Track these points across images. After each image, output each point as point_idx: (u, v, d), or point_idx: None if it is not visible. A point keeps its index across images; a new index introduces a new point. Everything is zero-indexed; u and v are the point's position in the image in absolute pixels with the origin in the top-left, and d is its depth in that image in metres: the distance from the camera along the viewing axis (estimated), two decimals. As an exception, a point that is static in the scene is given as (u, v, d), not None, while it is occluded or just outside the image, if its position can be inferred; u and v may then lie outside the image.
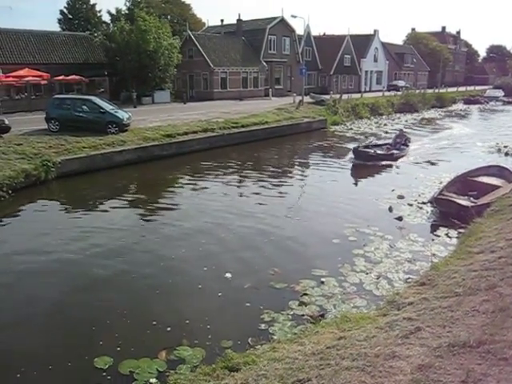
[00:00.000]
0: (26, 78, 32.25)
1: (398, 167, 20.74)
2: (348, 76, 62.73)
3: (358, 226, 12.15)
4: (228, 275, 9.34)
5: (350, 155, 22.08)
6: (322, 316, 7.64)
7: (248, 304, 8.22)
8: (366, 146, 22.46)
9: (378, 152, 21.36)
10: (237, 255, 10.64)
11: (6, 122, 19.84)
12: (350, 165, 21.34)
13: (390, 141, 24.52)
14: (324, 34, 67.58)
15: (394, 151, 22.30)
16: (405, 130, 28.47)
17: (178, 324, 7.58)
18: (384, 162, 20.97)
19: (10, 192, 15.02)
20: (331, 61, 58.48)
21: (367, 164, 20.64)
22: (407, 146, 23.62)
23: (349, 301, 8.29)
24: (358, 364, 4.58)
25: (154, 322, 7.57)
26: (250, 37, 49.36)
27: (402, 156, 22.42)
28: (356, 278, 9.24)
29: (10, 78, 31.57)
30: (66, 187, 17.36)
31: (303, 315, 7.79)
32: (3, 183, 14.90)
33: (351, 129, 34.59)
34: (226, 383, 5.13)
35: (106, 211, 14.33)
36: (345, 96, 42.51)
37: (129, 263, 10.23)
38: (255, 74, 48.56)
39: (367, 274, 9.41)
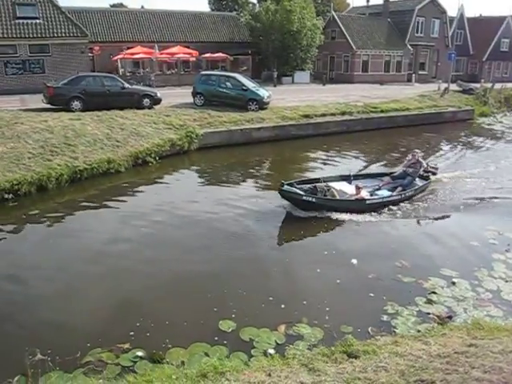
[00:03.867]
0: (178, 55, 34.49)
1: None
2: (504, 63, 56.55)
3: (501, 230, 10.92)
4: (354, 261, 9.12)
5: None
6: (450, 318, 7.12)
7: (371, 294, 7.92)
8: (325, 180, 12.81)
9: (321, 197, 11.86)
10: (365, 241, 10.32)
11: (158, 94, 21.41)
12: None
13: (400, 171, 14.07)
14: (480, 16, 61.92)
15: (384, 192, 12.92)
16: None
17: (296, 303, 7.60)
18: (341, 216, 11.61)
19: (157, 159, 16.31)
20: (485, 45, 52.95)
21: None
22: (426, 179, 13.86)
23: (482, 308, 7.56)
24: (490, 377, 4.17)
25: (271, 298, 7.69)
26: (396, 18, 47.08)
27: (409, 197, 12.83)
28: (493, 284, 8.35)
29: (164, 55, 34.00)
30: (206, 158, 18.23)
31: (429, 313, 7.32)
32: (152, 150, 16.23)
33: (501, 122, 31.42)
34: (344, 368, 5.03)
35: (238, 184, 14.78)
36: (497, 85, 38.83)
37: (255, 238, 10.45)
38: (399, 57, 46.41)
39: (507, 281, 8.46)
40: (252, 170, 16.29)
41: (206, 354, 6.20)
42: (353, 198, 11.99)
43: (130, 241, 10.14)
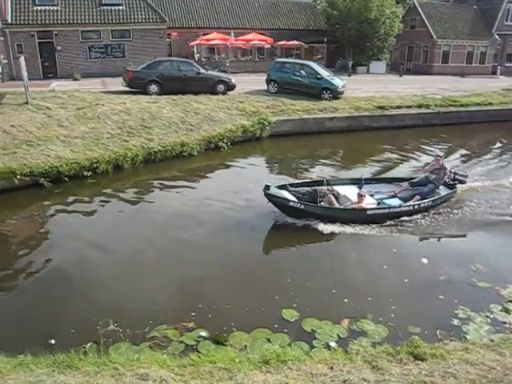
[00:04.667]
0: (252, 42, 34.64)
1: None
2: None
3: None
4: (424, 260, 8.78)
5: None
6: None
7: (441, 296, 7.59)
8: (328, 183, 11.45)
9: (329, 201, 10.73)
10: (437, 241, 9.91)
11: (233, 80, 21.63)
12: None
13: (421, 176, 12.15)
14: None
15: (395, 200, 11.22)
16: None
17: (360, 298, 7.46)
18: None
19: (229, 144, 16.53)
20: None
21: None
22: (450, 188, 12.02)
23: None
24: None
25: (334, 291, 7.62)
26: (483, 5, 44.27)
27: (425, 209, 11.06)
28: None
29: (239, 41, 34.23)
30: (277, 146, 18.24)
31: (505, 323, 6.89)
32: (224, 135, 16.48)
33: None
34: (409, 369, 4.90)
35: (308, 173, 14.57)
36: None
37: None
38: (483, 48, 43.88)
39: None
40: (323, 160, 16.07)
41: (269, 341, 6.26)
42: (350, 206, 10.50)
43: (198, 223, 10.36)
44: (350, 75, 33.63)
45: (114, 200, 11.89)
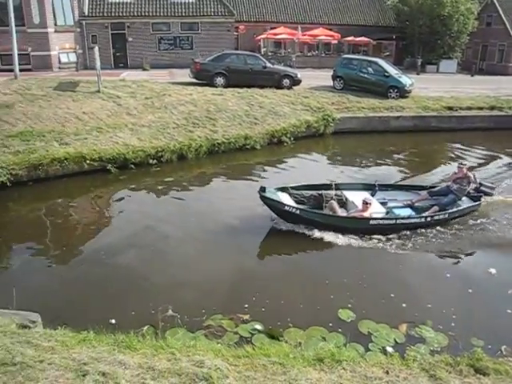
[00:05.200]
0: (319, 37, 34.30)
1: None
2: None
3: None
4: (492, 271, 8.33)
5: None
6: None
7: (509, 310, 7.19)
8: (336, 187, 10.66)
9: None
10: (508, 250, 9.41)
11: (299, 75, 21.53)
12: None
13: (443, 185, 11.33)
14: None
15: (407, 210, 10.46)
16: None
17: (419, 304, 7.25)
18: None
19: (292, 139, 16.49)
20: None
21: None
22: (474, 199, 10.83)
23: None
24: None
25: (392, 295, 7.43)
26: None
27: (440, 222, 10.06)
28: None
29: (306, 36, 34.01)
30: (340, 143, 17.98)
31: None
32: (288, 130, 16.47)
33: None
34: (470, 383, 4.69)
35: (370, 173, 14.12)
36: None
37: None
38: None
39: None
40: (386, 160, 15.68)
41: (324, 339, 6.21)
42: (351, 215, 9.81)
43: (257, 217, 10.34)
44: (418, 74, 32.53)
45: (176, 188, 12.20)
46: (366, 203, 9.59)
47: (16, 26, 19.33)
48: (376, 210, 9.81)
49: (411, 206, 10.61)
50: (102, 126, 14.61)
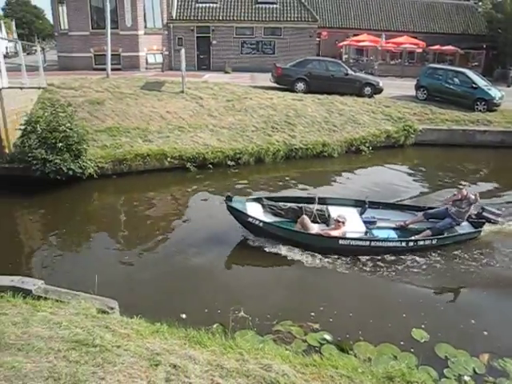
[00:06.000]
0: (403, 45, 33.37)
1: None
2: None
3: None
4: None
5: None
6: None
7: None
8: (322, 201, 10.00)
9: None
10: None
11: (380, 84, 21.08)
12: None
13: (441, 208, 10.13)
14: None
15: (391, 232, 9.58)
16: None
17: (504, 334, 6.77)
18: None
19: (370, 149, 16.21)
20: None
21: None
22: (475, 226, 9.86)
23: None
24: None
25: (473, 321, 6.96)
26: None
27: (423, 248, 9.17)
28: None
29: (390, 44, 33.24)
30: (420, 155, 17.33)
31: None
32: (367, 139, 16.23)
33: None
34: None
35: (448, 189, 12.95)
36: None
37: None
38: None
39: None
40: (469, 177, 14.88)
41: (395, 357, 5.99)
42: (316, 232, 9.04)
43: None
44: (509, 86, 30.74)
45: (252, 191, 12.30)
46: (337, 221, 9.02)
47: (110, 28, 20.48)
48: (352, 229, 9.09)
49: (404, 228, 9.77)
50: (183, 125, 15.09)
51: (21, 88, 14.03)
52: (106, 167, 12.99)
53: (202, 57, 30.95)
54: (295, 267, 8.42)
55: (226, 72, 28.27)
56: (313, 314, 6.85)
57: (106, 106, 15.50)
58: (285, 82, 20.64)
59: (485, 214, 9.91)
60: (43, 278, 6.25)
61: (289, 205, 9.78)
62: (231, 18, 30.57)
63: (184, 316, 6.50)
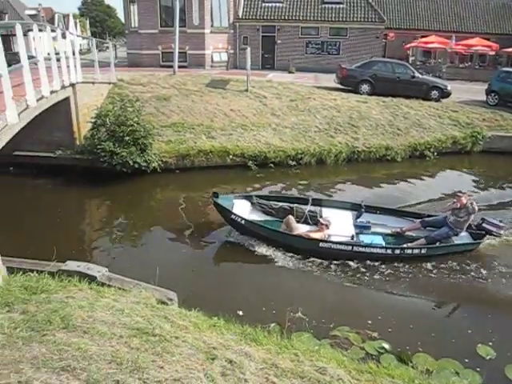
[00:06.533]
0: (475, 48, 32.03)
1: None
2: None
3: None
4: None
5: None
6: None
7: None
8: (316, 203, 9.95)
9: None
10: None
11: (448, 87, 20.31)
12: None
13: (440, 216, 9.62)
14: None
15: (378, 238, 9.16)
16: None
17: None
18: None
19: (435, 154, 15.71)
20: None
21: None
22: (474, 237, 9.33)
23: None
24: None
25: None
26: None
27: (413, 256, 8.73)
28: None
29: (460, 46, 32.00)
30: (488, 163, 16.48)
31: None
32: (432, 144, 15.73)
33: None
34: None
35: None
36: None
37: None
38: None
39: None
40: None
41: (457, 374, 5.76)
42: (296, 233, 8.85)
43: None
44: None
45: (312, 191, 12.23)
46: (321, 223, 8.91)
47: (178, 27, 20.98)
48: (338, 233, 8.91)
49: (400, 235, 9.41)
50: (246, 123, 15.23)
51: (93, 83, 14.65)
52: (170, 162, 13.33)
53: (266, 56, 31.07)
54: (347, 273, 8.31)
55: (290, 72, 28.21)
56: (370, 321, 6.71)
57: (172, 102, 15.90)
58: (349, 84, 20.33)
59: (485, 225, 9.25)
60: (107, 266, 6.49)
61: (280, 204, 9.70)
62: (297, 18, 30.50)
63: (241, 313, 6.55)
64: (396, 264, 8.49)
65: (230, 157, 13.71)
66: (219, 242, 9.39)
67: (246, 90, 17.64)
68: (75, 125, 13.45)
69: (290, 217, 9.19)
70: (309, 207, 9.62)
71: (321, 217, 9.36)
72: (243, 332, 5.08)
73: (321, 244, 8.57)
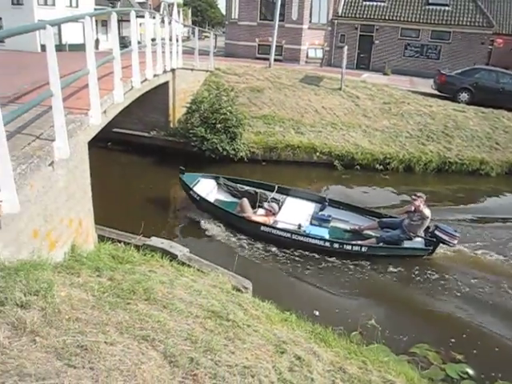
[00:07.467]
0: None
1: None
2: None
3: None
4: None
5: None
6: None
7: None
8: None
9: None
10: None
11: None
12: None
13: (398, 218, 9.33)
14: None
15: (323, 230, 9.00)
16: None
17: None
18: None
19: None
20: None
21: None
22: (427, 244, 8.82)
23: None
24: None
25: None
26: None
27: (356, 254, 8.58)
28: None
29: None
30: None
31: None
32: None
33: None
34: None
35: None
36: None
37: None
38: None
39: None
40: None
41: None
42: (241, 214, 9.28)
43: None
44: None
45: (397, 203, 11.71)
46: (265, 209, 9.35)
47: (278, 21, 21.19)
48: (285, 220, 9.28)
49: (357, 232, 9.47)
50: (336, 122, 15.13)
51: (192, 70, 15.20)
52: (257, 153, 13.59)
53: (362, 55, 30.50)
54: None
55: (385, 73, 27.50)
56: (453, 340, 6.39)
57: (264, 94, 16.13)
58: (447, 91, 19.45)
59: (437, 232, 8.74)
60: (187, 246, 6.76)
61: (246, 188, 10.24)
62: (397, 19, 29.59)
63: (317, 313, 6.53)
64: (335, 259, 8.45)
65: (317, 154, 13.73)
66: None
67: (340, 89, 17.46)
68: (171, 108, 14.07)
69: (245, 199, 9.67)
70: (273, 194, 10.09)
71: (282, 204, 9.81)
72: (313, 330, 5.07)
73: (262, 228, 8.93)
